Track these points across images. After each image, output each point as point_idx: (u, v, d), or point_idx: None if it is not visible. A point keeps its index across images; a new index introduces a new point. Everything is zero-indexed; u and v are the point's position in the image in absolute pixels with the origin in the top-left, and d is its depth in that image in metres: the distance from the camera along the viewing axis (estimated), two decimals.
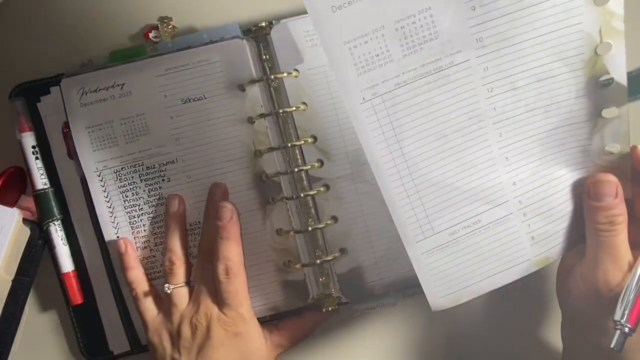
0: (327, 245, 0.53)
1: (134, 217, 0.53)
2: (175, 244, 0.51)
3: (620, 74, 0.42)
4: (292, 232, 0.52)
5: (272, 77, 0.51)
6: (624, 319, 0.42)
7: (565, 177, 0.46)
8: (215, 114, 0.52)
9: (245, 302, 0.50)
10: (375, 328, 0.56)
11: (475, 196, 0.44)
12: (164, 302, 0.52)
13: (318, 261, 0.52)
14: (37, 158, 0.54)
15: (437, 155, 0.43)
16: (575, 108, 0.43)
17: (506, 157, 0.44)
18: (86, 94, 0.51)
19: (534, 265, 0.47)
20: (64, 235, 0.54)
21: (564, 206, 0.46)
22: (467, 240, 0.45)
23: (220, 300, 0.50)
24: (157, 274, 0.53)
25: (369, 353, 0.57)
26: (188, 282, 0.52)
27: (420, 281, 0.45)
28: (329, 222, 0.52)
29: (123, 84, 0.51)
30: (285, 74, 0.51)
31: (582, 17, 0.40)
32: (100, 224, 0.53)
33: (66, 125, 0.53)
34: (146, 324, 0.51)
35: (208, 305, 0.50)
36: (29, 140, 0.54)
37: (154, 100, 0.52)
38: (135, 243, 0.53)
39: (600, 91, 0.43)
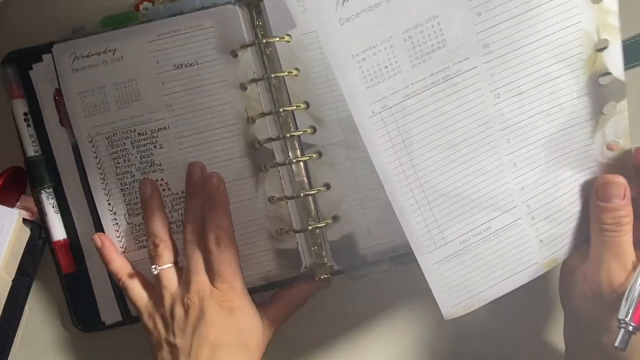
0: (320, 212, 0.53)
1: (126, 183, 0.53)
2: (156, 228, 0.51)
3: (618, 69, 0.42)
4: (284, 199, 0.52)
5: (264, 41, 0.51)
6: (629, 318, 0.42)
7: (571, 179, 0.46)
8: (207, 80, 0.52)
9: (238, 276, 0.49)
10: (368, 295, 0.56)
11: (484, 203, 0.44)
12: (155, 287, 0.51)
13: (310, 227, 0.52)
14: (28, 125, 0.54)
15: (447, 165, 0.42)
16: (577, 108, 0.44)
17: (514, 163, 0.44)
18: (78, 59, 0.51)
19: (543, 268, 0.47)
20: (55, 203, 0.54)
21: (571, 207, 0.47)
22: (478, 248, 0.45)
23: (212, 273, 0.49)
24: None
25: (362, 319, 0.57)
26: (176, 263, 0.51)
27: (433, 291, 0.45)
28: (321, 188, 0.52)
29: (115, 50, 0.51)
30: (277, 39, 0.51)
31: (581, 17, 0.41)
32: (92, 190, 0.53)
33: (58, 92, 0.53)
34: (139, 310, 0.51)
35: (199, 282, 0.49)
36: (20, 106, 0.54)
37: (146, 65, 0.51)
38: (127, 210, 0.53)
39: (600, 89, 0.43)
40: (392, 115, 0.40)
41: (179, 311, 0.49)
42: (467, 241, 0.44)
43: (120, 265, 0.52)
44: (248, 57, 0.51)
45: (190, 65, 0.52)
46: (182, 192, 0.53)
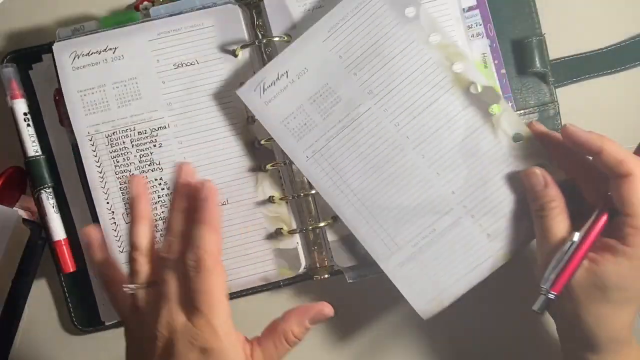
0: (320, 212, 0.53)
1: (125, 182, 0.52)
2: (138, 238, 0.43)
3: (479, 79, 0.49)
4: (284, 199, 0.52)
5: (264, 41, 0.51)
6: (547, 285, 0.45)
7: (498, 176, 0.50)
8: (207, 80, 0.52)
9: (219, 308, 0.41)
10: (368, 295, 0.56)
11: (423, 210, 0.50)
12: (137, 305, 0.43)
13: (310, 227, 0.52)
14: (28, 125, 0.54)
15: (379, 184, 0.51)
16: (468, 117, 0.50)
17: (437, 173, 0.50)
18: (78, 57, 0.51)
19: (499, 260, 0.50)
20: (55, 203, 0.54)
21: (507, 202, 0.50)
22: (430, 248, 0.50)
23: (188, 304, 0.41)
24: None
25: (361, 319, 0.57)
26: (155, 282, 0.43)
27: (402, 292, 0.50)
28: None
29: (115, 48, 0.51)
30: (277, 38, 0.51)
31: (429, 55, 0.49)
32: (91, 189, 0.53)
33: (58, 92, 0.53)
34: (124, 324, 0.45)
35: (171, 311, 0.41)
36: (20, 106, 0.54)
37: (146, 64, 0.52)
38: (126, 210, 0.53)
39: (477, 97, 0.49)
40: (322, 156, 0.51)
41: (147, 343, 0.41)
42: (418, 243, 0.51)
43: (108, 271, 0.45)
44: (248, 57, 0.52)
45: (191, 64, 0.52)
46: None
